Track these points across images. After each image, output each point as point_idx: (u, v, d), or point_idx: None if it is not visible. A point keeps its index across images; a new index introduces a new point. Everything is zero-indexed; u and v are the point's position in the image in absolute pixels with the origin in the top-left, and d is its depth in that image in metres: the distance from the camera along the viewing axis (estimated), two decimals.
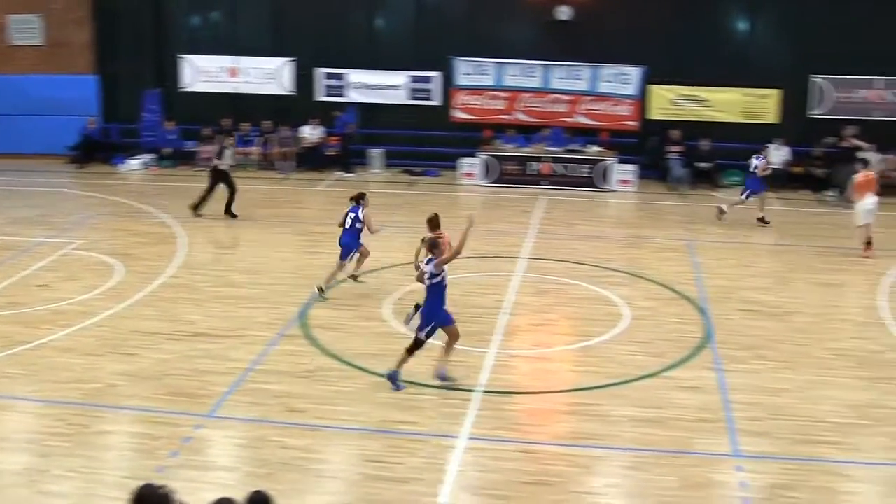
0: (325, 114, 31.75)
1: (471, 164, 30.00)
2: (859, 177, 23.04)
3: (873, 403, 15.08)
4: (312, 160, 31.73)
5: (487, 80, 30.96)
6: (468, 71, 31.00)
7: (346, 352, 16.45)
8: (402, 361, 15.16)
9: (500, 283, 20.24)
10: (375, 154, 31.91)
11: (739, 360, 16.58)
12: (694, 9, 30.12)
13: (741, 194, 25.48)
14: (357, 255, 19.86)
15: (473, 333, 17.16)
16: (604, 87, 30.43)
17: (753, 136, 29.51)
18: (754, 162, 25.25)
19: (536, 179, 29.25)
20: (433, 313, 15.10)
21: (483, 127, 30.97)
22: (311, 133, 31.80)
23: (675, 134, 29.89)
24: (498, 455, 13.09)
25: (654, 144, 30.37)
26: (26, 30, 33.80)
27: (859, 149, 28.79)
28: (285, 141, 32.12)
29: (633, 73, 30.11)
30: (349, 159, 31.44)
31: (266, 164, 32.07)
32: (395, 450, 13.08)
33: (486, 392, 15.00)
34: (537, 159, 29.84)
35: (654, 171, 30.16)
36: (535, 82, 30.71)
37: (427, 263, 15.24)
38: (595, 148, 30.17)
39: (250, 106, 32.13)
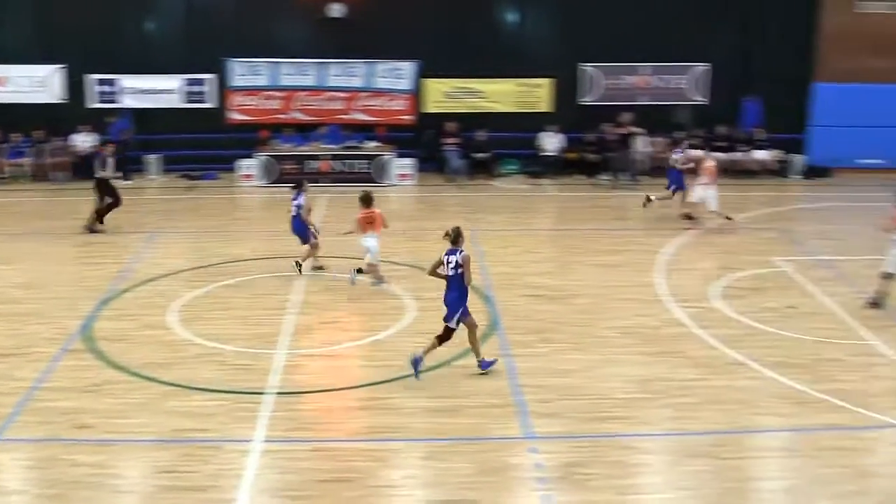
0: (99, 121, 30.89)
1: (249, 166, 29.72)
2: (709, 164, 23.93)
3: (656, 377, 15.64)
4: (87, 169, 30.80)
5: (262, 81, 30.68)
6: (242, 72, 30.65)
7: (132, 362, 16.06)
8: (430, 349, 15.57)
9: (286, 284, 20.09)
10: (152, 160, 31.29)
11: (527, 344, 16.94)
12: (466, 2, 30.52)
13: (667, 188, 25.66)
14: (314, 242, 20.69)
15: (262, 335, 17.10)
16: (379, 83, 30.55)
17: (528, 125, 30.22)
18: (674, 156, 25.57)
19: (316, 178, 29.14)
20: (459, 302, 15.48)
21: (260, 127, 30.69)
22: (83, 141, 30.91)
23: (450, 126, 30.25)
24: (294, 456, 13.01)
25: (431, 137, 30.67)
26: None
27: (634, 134, 29.78)
28: (57, 151, 31.15)
29: (408, 67, 30.32)
30: (125, 166, 30.66)
31: (40, 175, 31.00)
32: (190, 458, 12.86)
33: (277, 393, 14.89)
34: (315, 157, 29.77)
35: (431, 163, 30.48)
36: (310, 80, 30.60)
37: (451, 254, 15.49)
38: (372, 143, 30.29)
39: (20, 116, 30.95)
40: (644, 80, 31.13)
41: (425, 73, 30.36)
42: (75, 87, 31.04)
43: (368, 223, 19.72)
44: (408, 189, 29.17)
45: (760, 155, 30.65)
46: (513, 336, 17.29)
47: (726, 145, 31.01)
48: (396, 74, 30.45)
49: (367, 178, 29.25)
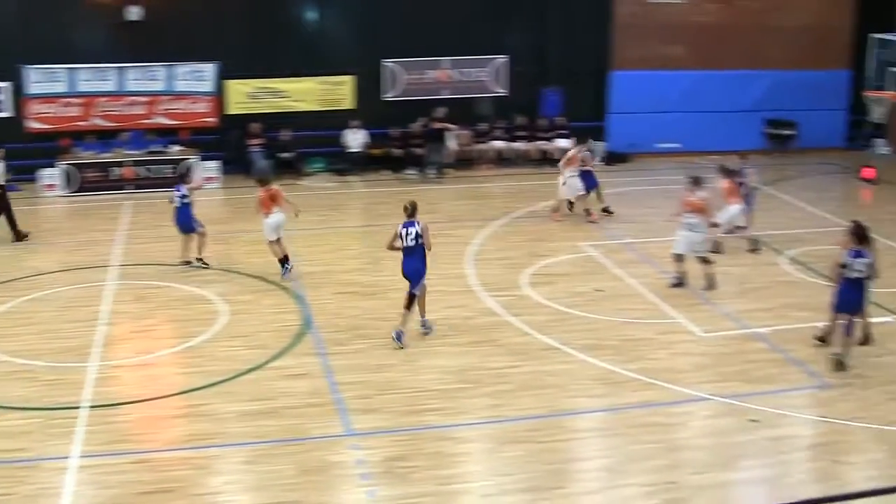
0: None
1: (51, 175, 28.92)
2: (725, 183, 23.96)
3: (471, 366, 15.97)
4: None
5: (60, 87, 29.87)
6: (38, 79, 29.78)
7: None
8: (406, 318, 16.87)
9: (94, 295, 19.67)
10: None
11: (342, 342, 17.05)
12: (266, 2, 30.32)
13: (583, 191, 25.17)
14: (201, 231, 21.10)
15: (72, 349, 16.78)
16: (180, 86, 30.09)
17: (333, 122, 30.24)
18: (579, 155, 25.01)
19: (120, 185, 28.54)
20: (423, 269, 16.99)
21: (60, 135, 29.90)
22: None
23: (254, 127, 30.01)
24: (113, 469, 12.83)
25: (235, 139, 30.38)
26: None
27: (448, 129, 30.09)
28: None
29: (209, 69, 29.98)
30: None
31: None
32: (6, 480, 12.54)
33: (92, 407, 14.63)
34: (119, 164, 29.14)
35: (237, 165, 30.17)
36: (109, 86, 29.89)
37: (410, 226, 16.95)
38: (177, 147, 29.84)
39: None
40: (445, 74, 31.47)
41: (227, 74, 30.06)
42: None
43: (271, 201, 20.30)
44: (213, 192, 28.78)
45: (562, 143, 31.32)
46: (328, 334, 17.37)
47: (527, 135, 31.61)
48: (198, 77, 30.06)
49: (172, 183, 28.69)
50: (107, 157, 29.33)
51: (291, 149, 30.11)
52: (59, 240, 23.52)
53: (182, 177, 21.95)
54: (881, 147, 33.81)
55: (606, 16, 32.11)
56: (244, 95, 30.43)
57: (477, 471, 13.14)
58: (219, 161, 29.68)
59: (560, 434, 14.04)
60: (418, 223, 16.90)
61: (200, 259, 21.15)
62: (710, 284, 19.72)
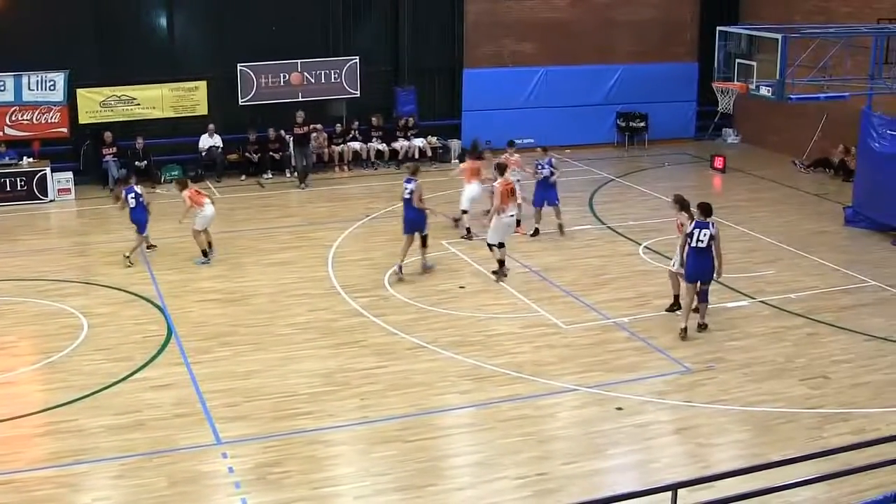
0: None
1: None
2: (466, 164, 24.04)
3: (339, 369, 16.04)
4: None
5: None
6: None
7: None
8: (425, 254, 20.79)
9: None
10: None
11: (206, 350, 16.93)
12: (113, 9, 29.81)
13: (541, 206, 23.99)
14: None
15: None
16: (29, 96, 29.44)
17: (189, 129, 29.92)
18: (539, 171, 23.73)
19: None
20: (422, 214, 20.43)
21: None
22: None
23: (108, 136, 29.49)
24: None
25: (88, 149, 29.83)
26: None
27: (314, 132, 29.97)
28: None
29: (59, 78, 29.37)
30: None
31: None
32: None
33: None
34: None
35: (91, 175, 29.62)
36: None
37: (408, 183, 20.56)
38: (27, 159, 29.14)
39: None
40: (299, 77, 31.33)
41: (77, 83, 29.50)
42: None
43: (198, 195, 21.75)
44: (68, 203, 28.13)
45: (417, 142, 31.46)
46: (191, 343, 17.23)
47: (382, 135, 31.67)
48: (48, 86, 29.44)
49: (24, 196, 28.13)
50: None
51: (145, 157, 29.66)
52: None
53: (126, 180, 23.25)
54: (730, 136, 34.78)
55: (458, 14, 32.37)
56: (96, 104, 29.88)
57: (349, 473, 13.18)
58: (72, 172, 29.06)
59: (430, 432, 14.17)
60: (416, 181, 20.43)
61: (128, 257, 21.61)
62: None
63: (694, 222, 17.00)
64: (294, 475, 12.78)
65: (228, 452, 13.36)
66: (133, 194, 21.91)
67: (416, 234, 20.58)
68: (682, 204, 17.97)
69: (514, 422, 14.32)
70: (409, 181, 20.59)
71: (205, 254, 21.78)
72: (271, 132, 30.38)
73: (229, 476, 12.76)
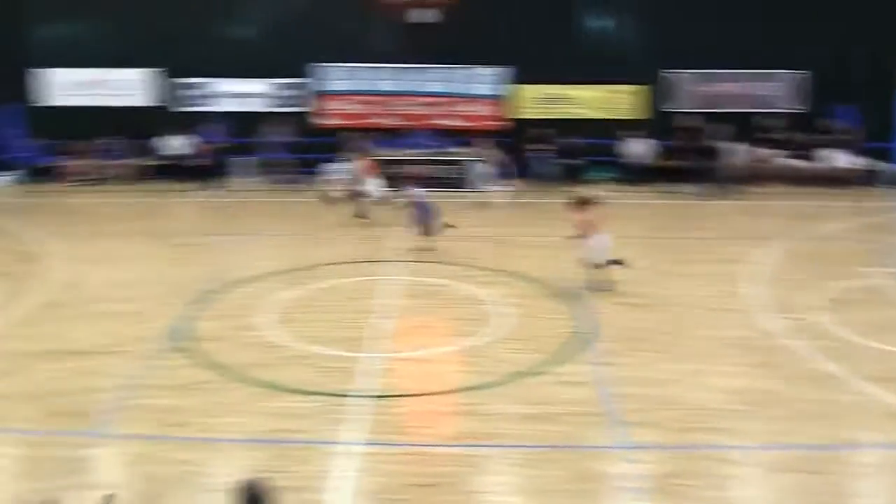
0: (190, 124, 31.24)
1: (338, 171, 29.70)
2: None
3: (750, 388, 15.43)
4: (178, 172, 31.21)
5: (353, 85, 30.84)
6: (333, 76, 30.85)
7: (226, 362, 16.20)
8: None
9: (376, 287, 20.14)
10: (243, 163, 31.49)
11: (617, 352, 16.78)
12: (555, 9, 30.39)
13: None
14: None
15: (355, 338, 17.16)
16: (469, 89, 30.53)
17: (615, 131, 30.08)
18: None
19: (404, 183, 29.10)
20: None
21: (350, 132, 30.77)
22: (175, 144, 31.30)
23: (540, 132, 30.10)
24: (388, 459, 13.00)
25: (520, 143, 30.55)
26: None
27: (728, 145, 29.50)
28: (150, 154, 31.58)
29: (498, 73, 30.26)
30: (217, 170, 30.96)
31: (132, 177, 31.45)
32: (285, 459, 12.90)
33: (369, 396, 14.91)
34: (404, 163, 29.73)
35: (521, 169, 30.32)
36: (402, 86, 30.69)
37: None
38: (463, 149, 30.21)
39: (115, 118, 31.45)
40: (734, 87, 30.73)
41: (515, 78, 30.26)
42: (167, 90, 31.45)
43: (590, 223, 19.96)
44: (497, 195, 28.98)
45: (846, 160, 30.08)
46: (605, 344, 17.16)
47: (809, 151, 30.53)
48: (486, 80, 30.41)
49: (456, 184, 29.20)
50: (394, 155, 29.89)
51: (576, 155, 30.03)
52: (345, 233, 24.02)
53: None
54: None
55: None
56: (532, 100, 30.55)
57: (746, 496, 12.68)
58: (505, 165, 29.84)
59: (838, 467, 13.42)
60: None
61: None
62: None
63: None
64: (693, 489, 12.43)
65: (631, 456, 13.21)
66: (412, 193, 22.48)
67: None
68: None
69: None
70: None
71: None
72: (701, 140, 29.94)
73: (630, 480, 12.59)
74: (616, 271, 20.13)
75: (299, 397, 14.87)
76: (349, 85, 30.89)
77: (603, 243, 19.99)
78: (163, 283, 20.78)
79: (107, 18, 31.99)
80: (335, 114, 30.98)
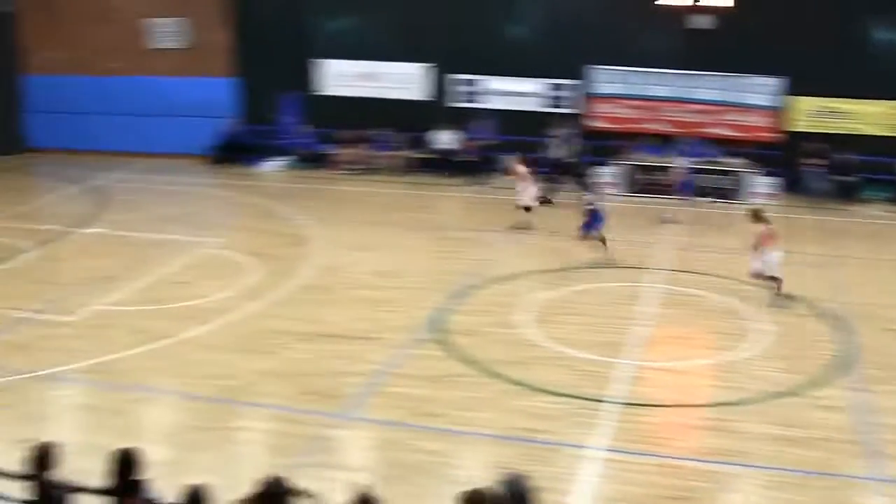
0: (460, 120, 31.68)
1: (605, 174, 29.64)
2: None
3: None
4: (445, 166, 31.67)
5: (625, 89, 30.66)
6: (605, 79, 30.76)
7: (480, 358, 16.40)
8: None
9: (638, 294, 19.97)
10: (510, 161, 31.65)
11: (884, 380, 16.08)
12: (835, 19, 29.41)
13: None
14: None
15: (609, 343, 17.08)
16: (743, 98, 29.90)
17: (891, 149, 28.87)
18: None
19: (671, 190, 28.80)
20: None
21: (619, 136, 30.63)
22: (445, 139, 31.79)
23: (815, 146, 29.20)
24: (633, 468, 12.91)
25: (794, 157, 29.72)
26: (168, 34, 34.55)
27: None
28: (419, 147, 32.18)
29: (774, 83, 29.53)
30: (484, 166, 31.25)
31: (401, 168, 32.15)
32: (529, 458, 12.96)
33: (620, 403, 14.80)
34: (674, 170, 29.32)
35: (793, 183, 29.51)
36: (673, 92, 30.32)
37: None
38: (734, 160, 29.60)
39: (387, 111, 32.25)
40: None
41: (792, 89, 29.46)
42: (439, 85, 32.01)
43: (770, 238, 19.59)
44: (766, 209, 28.18)
45: None
46: (869, 371, 16.46)
47: None
48: (762, 90, 29.70)
49: (725, 195, 28.66)
50: (663, 161, 29.56)
51: (851, 173, 29.00)
52: (607, 236, 23.71)
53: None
54: None
55: None
56: (806, 113, 29.68)
57: None
58: (776, 178, 29.12)
59: None
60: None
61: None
62: None
63: None
64: None
65: (887, 491, 12.66)
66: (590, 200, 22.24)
67: None
68: None
69: None
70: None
71: (779, 292, 19.73)
72: None
73: None
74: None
75: (549, 398, 14.92)
76: (620, 88, 30.73)
77: (775, 258, 19.49)
78: (424, 275, 21.19)
79: (384, 13, 32.84)
80: (604, 117, 30.87)
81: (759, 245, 19.58)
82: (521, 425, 14.02)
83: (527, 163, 25.88)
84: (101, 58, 34.94)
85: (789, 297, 19.56)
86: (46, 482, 9.09)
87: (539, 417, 14.28)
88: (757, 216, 19.99)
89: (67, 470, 9.38)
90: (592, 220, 22.18)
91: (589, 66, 30.58)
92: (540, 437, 13.68)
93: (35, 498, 9.09)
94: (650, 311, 19.10)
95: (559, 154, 29.38)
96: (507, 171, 26.89)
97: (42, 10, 35.52)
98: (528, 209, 24.93)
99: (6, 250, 23.16)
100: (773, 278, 19.55)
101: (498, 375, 15.70)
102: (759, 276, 19.67)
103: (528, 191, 24.89)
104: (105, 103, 35.30)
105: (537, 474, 12.40)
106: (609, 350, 16.82)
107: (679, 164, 28.31)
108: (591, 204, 22.32)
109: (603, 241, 22.20)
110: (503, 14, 32.02)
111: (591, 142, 30.69)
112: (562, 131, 30.30)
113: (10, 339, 17.73)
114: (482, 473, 12.87)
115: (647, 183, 29.27)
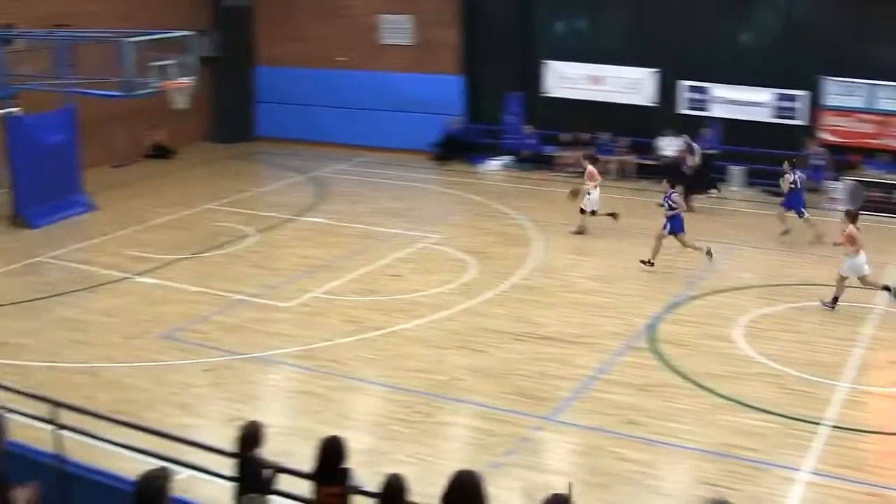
0: (685, 127, 31.16)
1: (834, 189, 28.70)
2: None
3: None
4: (667, 173, 31.07)
5: (857, 102, 29.62)
6: (837, 91, 29.78)
7: (690, 369, 16.17)
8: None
9: (860, 315, 19.24)
10: (736, 172, 31.06)
11: None
12: None
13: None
14: None
15: (825, 364, 16.56)
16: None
17: None
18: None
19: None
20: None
21: (850, 150, 29.64)
22: (668, 145, 31.31)
23: None
24: (842, 494, 12.54)
25: None
26: (397, 30, 35.17)
27: None
28: (643, 153, 31.85)
29: None
30: (710, 175, 30.57)
31: (624, 173, 31.88)
32: (733, 475, 12.75)
33: (834, 427, 14.34)
34: None
35: None
36: None
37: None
38: None
39: (611, 115, 32.02)
40: None
41: None
42: (666, 91, 31.61)
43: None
44: None
45: None
46: None
47: None
48: None
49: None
50: (893, 178, 28.48)
51: None
52: (827, 252, 22.87)
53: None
54: None
55: None
56: None
57: None
58: None
59: None
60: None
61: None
62: None
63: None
64: None
65: None
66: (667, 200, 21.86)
67: None
68: None
69: None
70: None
71: (835, 301, 19.22)
72: None
73: None
74: None
75: (757, 414, 14.59)
76: (855, 101, 29.70)
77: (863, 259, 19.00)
78: (643, 283, 20.95)
79: (613, 16, 32.65)
80: (836, 130, 29.91)
81: (848, 245, 19.29)
82: (726, 441, 13.78)
83: (596, 161, 25.56)
84: (330, 51, 35.86)
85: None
86: (252, 460, 9.36)
87: (745, 434, 14.00)
88: (851, 216, 19.69)
89: (269, 451, 9.64)
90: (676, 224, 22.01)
91: (820, 76, 29.69)
92: (746, 454, 13.41)
93: (240, 475, 9.37)
94: (872, 333, 18.37)
95: (692, 161, 28.50)
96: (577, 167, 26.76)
97: (277, 4, 36.68)
98: (593, 213, 24.75)
99: (229, 234, 24.08)
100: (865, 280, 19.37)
101: (707, 388, 15.44)
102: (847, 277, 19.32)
103: (594, 193, 24.68)
104: (332, 96, 36.22)
105: (740, 493, 12.25)
106: (825, 370, 16.29)
107: None
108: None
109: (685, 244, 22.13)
110: (736, 20, 31.37)
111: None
112: (812, 151, 29.45)
113: (227, 320, 18.44)
114: (684, 487, 12.76)
115: (874, 200, 28.18)
